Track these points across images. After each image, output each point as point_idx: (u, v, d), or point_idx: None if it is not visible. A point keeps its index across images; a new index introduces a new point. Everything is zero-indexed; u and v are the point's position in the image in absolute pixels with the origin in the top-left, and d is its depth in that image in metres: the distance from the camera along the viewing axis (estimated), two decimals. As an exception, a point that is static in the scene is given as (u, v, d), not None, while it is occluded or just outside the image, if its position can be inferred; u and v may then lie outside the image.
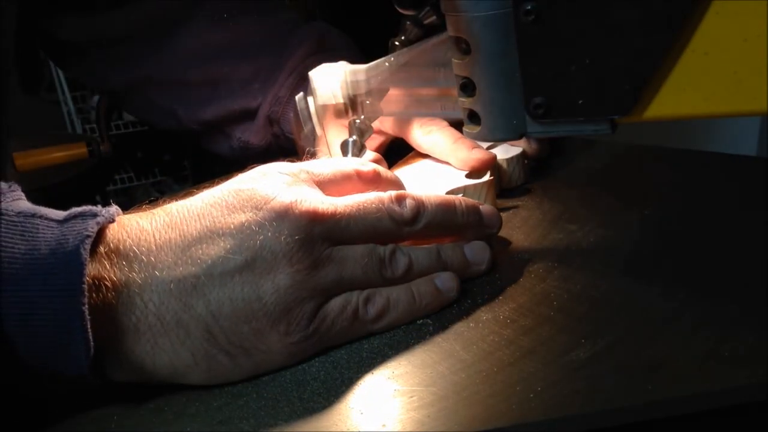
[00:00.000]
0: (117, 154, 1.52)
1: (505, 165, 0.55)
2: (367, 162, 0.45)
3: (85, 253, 0.33)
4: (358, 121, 0.52)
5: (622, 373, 0.32)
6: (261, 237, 0.36)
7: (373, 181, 0.44)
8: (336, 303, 0.38)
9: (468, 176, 0.52)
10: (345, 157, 0.51)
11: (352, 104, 0.52)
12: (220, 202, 0.38)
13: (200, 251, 0.36)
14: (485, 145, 0.54)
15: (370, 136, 0.53)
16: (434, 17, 0.49)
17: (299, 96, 0.55)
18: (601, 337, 0.35)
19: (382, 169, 0.45)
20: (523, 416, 0.31)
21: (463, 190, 0.50)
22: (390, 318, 0.39)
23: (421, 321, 0.40)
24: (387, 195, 0.41)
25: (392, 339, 0.38)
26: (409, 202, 0.41)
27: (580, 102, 0.37)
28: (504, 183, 0.55)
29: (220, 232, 0.37)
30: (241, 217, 0.37)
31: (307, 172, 0.41)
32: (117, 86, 0.74)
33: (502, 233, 0.46)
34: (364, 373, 0.36)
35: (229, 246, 0.36)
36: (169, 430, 0.34)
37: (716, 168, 0.54)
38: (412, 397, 0.33)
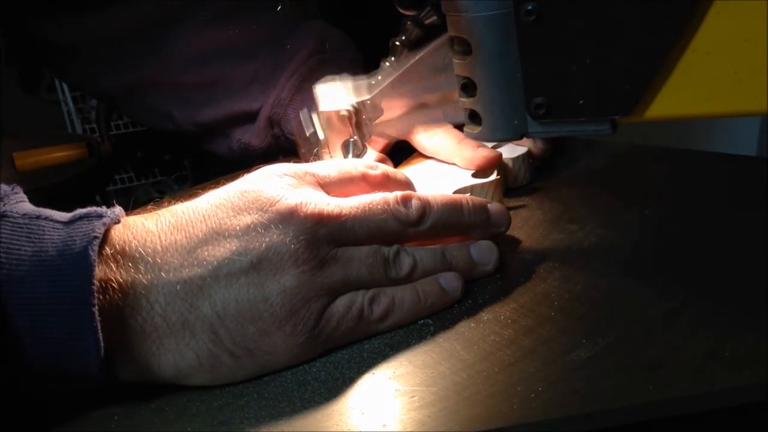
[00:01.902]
0: (117, 154, 1.52)
1: (510, 164, 0.55)
2: (375, 163, 0.45)
3: (94, 255, 0.33)
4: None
5: (622, 373, 0.32)
6: (267, 239, 0.36)
7: (381, 184, 0.44)
8: (341, 303, 0.38)
9: (474, 176, 0.52)
10: (351, 159, 0.50)
11: (356, 121, 0.52)
12: (225, 203, 0.38)
13: (206, 253, 0.36)
14: (490, 144, 0.54)
15: (370, 138, 0.53)
16: (435, 17, 0.49)
17: (304, 112, 0.55)
18: (602, 337, 0.35)
19: (391, 170, 0.45)
20: (523, 416, 0.31)
21: (470, 190, 0.50)
22: (395, 317, 0.39)
23: (422, 321, 0.40)
24: (393, 196, 0.41)
25: (393, 339, 0.38)
26: (414, 203, 0.41)
27: (581, 102, 0.37)
28: (509, 182, 0.55)
29: (226, 233, 0.37)
30: (246, 219, 0.37)
31: (313, 175, 0.41)
32: (113, 88, 0.73)
33: (503, 233, 0.46)
34: (364, 373, 0.36)
35: (234, 248, 0.36)
36: (169, 430, 0.34)
37: (716, 168, 0.54)
38: (413, 397, 0.33)
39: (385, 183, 0.44)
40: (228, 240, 0.36)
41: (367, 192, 0.42)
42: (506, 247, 0.46)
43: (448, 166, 0.55)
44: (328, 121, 0.53)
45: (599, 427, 0.31)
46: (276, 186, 0.39)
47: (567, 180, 0.56)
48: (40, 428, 0.35)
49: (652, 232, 0.46)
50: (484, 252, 0.43)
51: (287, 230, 0.37)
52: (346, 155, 0.52)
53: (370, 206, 0.40)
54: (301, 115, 0.55)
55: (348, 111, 0.52)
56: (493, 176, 0.51)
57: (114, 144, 1.46)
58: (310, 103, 0.55)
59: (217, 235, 0.37)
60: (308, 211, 0.38)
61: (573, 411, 0.31)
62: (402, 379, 0.35)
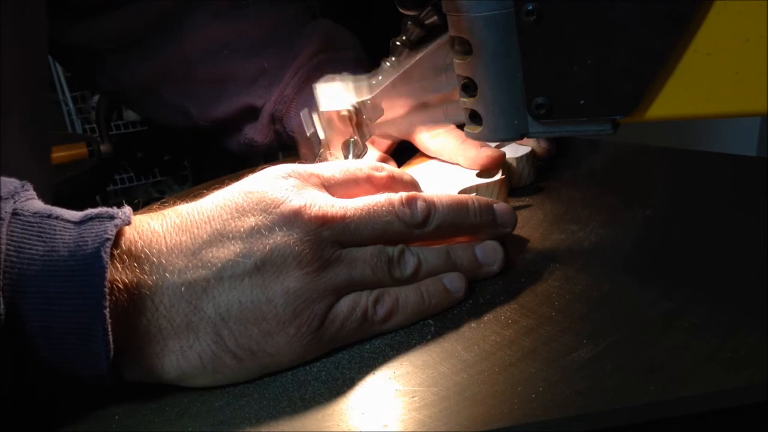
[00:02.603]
0: (117, 154, 1.52)
1: (514, 164, 0.55)
2: (380, 164, 0.45)
3: (106, 257, 0.33)
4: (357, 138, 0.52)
5: (623, 374, 0.32)
6: (270, 241, 0.36)
7: (386, 185, 0.44)
8: (345, 304, 0.38)
9: (478, 176, 0.52)
10: (356, 160, 0.50)
11: (357, 121, 0.52)
12: (230, 204, 0.38)
13: (210, 254, 0.36)
14: (493, 144, 0.54)
15: (371, 137, 0.53)
16: (435, 17, 0.49)
17: (304, 112, 0.55)
18: (603, 337, 0.35)
19: (397, 171, 0.45)
20: (524, 416, 0.31)
21: (476, 189, 0.50)
22: (399, 318, 0.39)
23: (422, 321, 0.40)
24: (397, 197, 0.41)
25: (393, 339, 0.38)
26: (419, 204, 0.41)
27: (582, 102, 0.37)
28: (513, 182, 0.55)
29: (230, 235, 0.37)
30: (250, 221, 0.37)
31: (318, 176, 0.41)
32: (128, 87, 0.73)
33: (504, 233, 0.46)
34: (365, 373, 0.36)
35: (238, 249, 0.36)
36: (170, 429, 0.34)
37: (716, 168, 0.54)
38: (413, 397, 0.33)
39: (391, 184, 0.44)
40: (232, 242, 0.36)
41: (372, 193, 0.42)
42: (507, 247, 0.46)
43: (451, 167, 0.55)
44: (329, 121, 0.53)
45: (600, 427, 0.31)
46: (280, 187, 0.39)
47: (568, 180, 0.56)
48: (42, 428, 0.35)
49: (653, 233, 0.46)
50: (489, 252, 0.42)
51: (291, 232, 0.37)
52: (346, 155, 0.51)
53: (375, 208, 0.40)
54: (301, 115, 0.55)
55: (348, 111, 0.52)
56: (498, 176, 0.51)
57: (114, 144, 1.46)
58: (312, 102, 0.55)
59: (221, 236, 0.37)
60: (312, 213, 0.38)
61: (574, 411, 0.31)
62: (403, 380, 0.35)
